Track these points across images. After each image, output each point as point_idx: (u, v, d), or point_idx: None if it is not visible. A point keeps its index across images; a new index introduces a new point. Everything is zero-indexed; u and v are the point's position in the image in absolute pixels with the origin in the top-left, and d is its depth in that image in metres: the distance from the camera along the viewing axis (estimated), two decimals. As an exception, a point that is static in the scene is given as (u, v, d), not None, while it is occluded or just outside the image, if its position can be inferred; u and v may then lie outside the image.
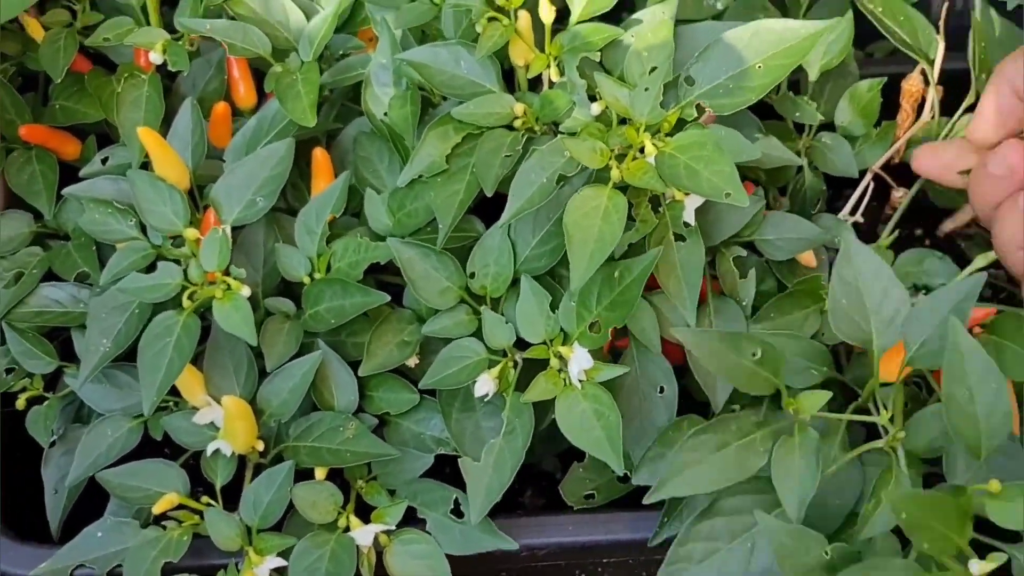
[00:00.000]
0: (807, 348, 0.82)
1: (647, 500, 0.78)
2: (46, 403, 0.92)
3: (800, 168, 0.95)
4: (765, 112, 0.93)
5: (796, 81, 0.97)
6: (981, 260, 0.86)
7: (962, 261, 0.91)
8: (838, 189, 0.98)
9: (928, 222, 1.07)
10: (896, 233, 0.94)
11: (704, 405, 0.88)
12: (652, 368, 0.86)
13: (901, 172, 0.96)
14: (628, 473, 0.89)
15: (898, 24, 0.91)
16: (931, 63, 0.92)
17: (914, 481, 0.77)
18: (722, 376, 0.79)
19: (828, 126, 0.96)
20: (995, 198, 0.81)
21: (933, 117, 0.94)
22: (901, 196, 0.98)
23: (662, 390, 0.86)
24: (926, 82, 0.94)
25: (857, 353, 0.89)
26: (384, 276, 0.91)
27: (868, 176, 0.95)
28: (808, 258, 0.89)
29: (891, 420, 0.78)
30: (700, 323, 0.86)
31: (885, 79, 0.94)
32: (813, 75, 0.93)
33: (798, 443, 0.76)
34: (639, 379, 0.87)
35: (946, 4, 0.94)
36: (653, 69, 0.82)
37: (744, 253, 0.88)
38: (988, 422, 0.72)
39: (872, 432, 0.81)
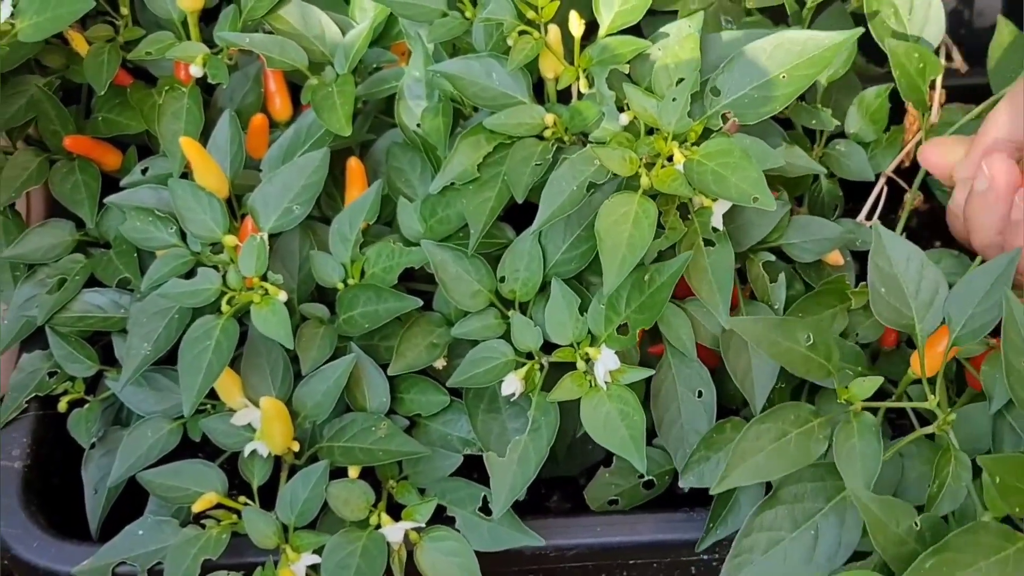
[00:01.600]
0: (842, 348, 0.84)
1: (714, 490, 0.79)
2: (87, 406, 0.94)
3: (816, 176, 0.97)
4: (779, 124, 0.95)
5: (803, 94, 0.99)
6: None
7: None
8: (850, 197, 1.00)
9: (942, 223, 1.09)
10: (903, 232, 0.96)
11: (735, 412, 0.90)
12: (689, 373, 0.88)
13: (913, 175, 0.98)
14: (653, 479, 0.91)
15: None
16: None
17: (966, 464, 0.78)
18: (779, 361, 0.79)
19: (839, 135, 0.98)
20: (976, 214, 0.83)
21: (937, 121, 0.96)
22: (918, 202, 1.00)
23: (700, 395, 0.88)
24: (931, 86, 0.95)
25: (886, 352, 0.90)
26: (413, 284, 0.93)
27: (882, 180, 0.97)
28: (835, 257, 0.91)
29: (938, 405, 0.79)
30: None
31: (892, 85, 0.95)
32: (820, 88, 0.95)
33: (857, 428, 0.78)
34: (677, 384, 0.88)
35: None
36: (680, 80, 0.84)
37: (772, 258, 0.89)
38: None
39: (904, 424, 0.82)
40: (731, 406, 0.90)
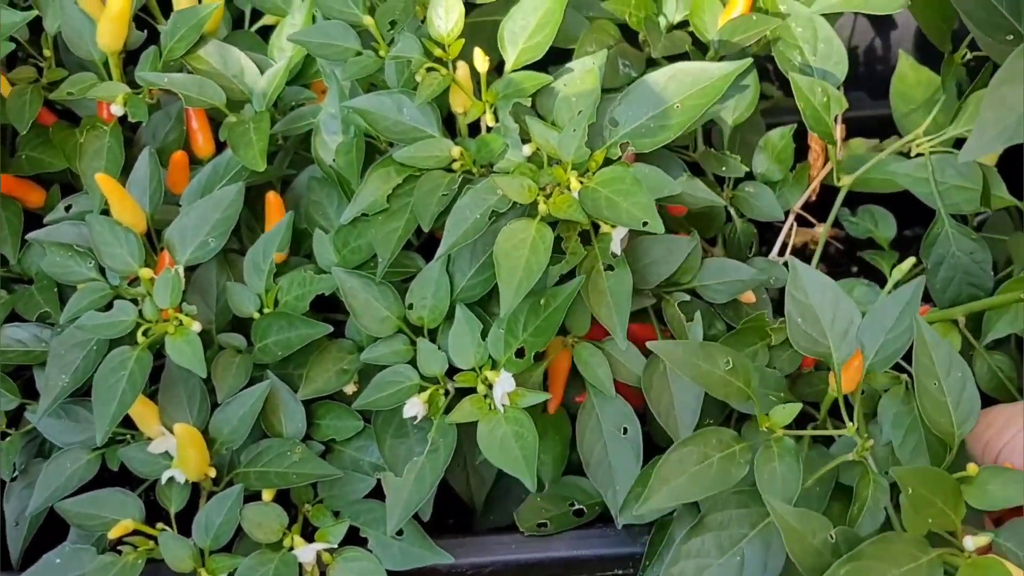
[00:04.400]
0: (762, 375, 0.87)
1: (638, 511, 0.81)
2: (8, 439, 0.96)
3: (729, 217, 1.00)
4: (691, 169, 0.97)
5: (709, 139, 1.03)
6: (896, 274, 0.93)
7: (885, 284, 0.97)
8: (764, 233, 1.03)
9: (853, 251, 1.13)
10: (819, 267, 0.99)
11: (664, 451, 0.91)
12: (612, 412, 0.90)
13: (820, 209, 1.02)
14: (583, 508, 0.93)
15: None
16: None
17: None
18: (699, 383, 0.82)
19: (747, 176, 1.01)
20: None
21: (838, 159, 1.00)
22: (832, 231, 1.04)
23: (625, 431, 0.90)
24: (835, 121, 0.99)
25: (805, 374, 0.94)
26: (331, 315, 0.95)
27: (791, 217, 1.01)
28: (748, 296, 0.94)
29: (857, 431, 0.82)
30: (654, 367, 0.89)
31: (795, 125, 0.99)
32: (727, 130, 0.98)
33: (777, 451, 0.81)
34: (601, 423, 0.90)
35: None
36: (580, 112, 0.88)
37: (688, 298, 0.92)
38: (958, 410, 0.78)
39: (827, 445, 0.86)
40: (662, 444, 0.91)
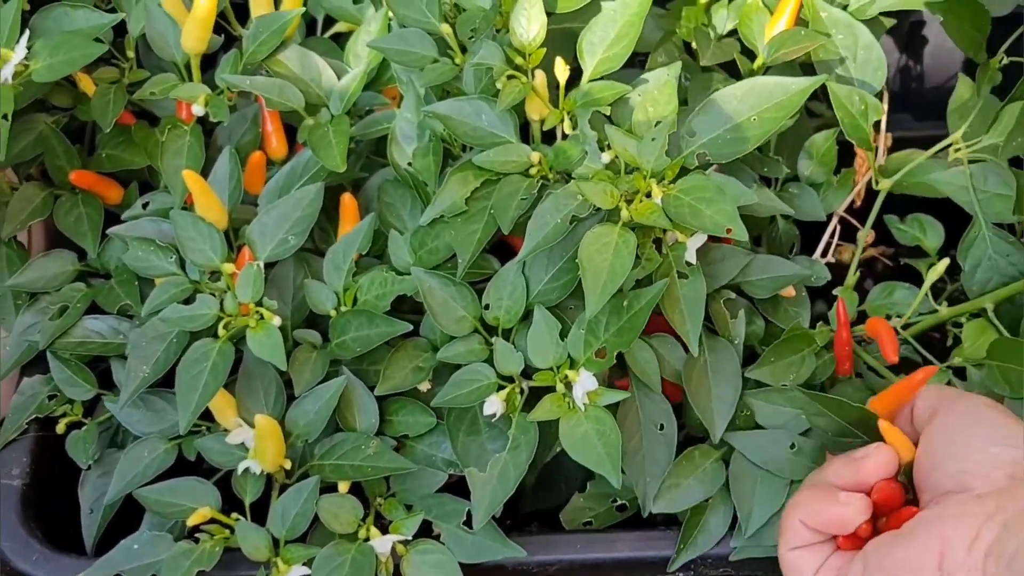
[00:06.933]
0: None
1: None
2: (84, 428, 0.98)
3: (774, 217, 1.02)
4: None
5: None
6: (932, 274, 0.95)
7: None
8: (807, 236, 1.05)
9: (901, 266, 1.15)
10: (858, 274, 1.01)
11: (701, 441, 0.94)
12: (652, 407, 0.92)
13: (863, 214, 1.04)
14: (625, 503, 0.95)
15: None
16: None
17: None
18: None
19: (792, 179, 1.03)
20: None
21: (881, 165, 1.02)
22: (871, 243, 1.07)
23: (662, 427, 0.92)
24: (876, 128, 1.00)
25: (840, 380, 0.96)
26: (400, 315, 0.97)
27: (834, 220, 1.03)
28: (788, 291, 0.96)
29: None
30: (694, 362, 0.92)
31: (838, 130, 1.00)
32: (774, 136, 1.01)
33: None
34: (640, 417, 0.92)
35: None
36: (658, 123, 0.90)
37: (733, 296, 0.94)
38: None
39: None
40: (698, 435, 0.94)
